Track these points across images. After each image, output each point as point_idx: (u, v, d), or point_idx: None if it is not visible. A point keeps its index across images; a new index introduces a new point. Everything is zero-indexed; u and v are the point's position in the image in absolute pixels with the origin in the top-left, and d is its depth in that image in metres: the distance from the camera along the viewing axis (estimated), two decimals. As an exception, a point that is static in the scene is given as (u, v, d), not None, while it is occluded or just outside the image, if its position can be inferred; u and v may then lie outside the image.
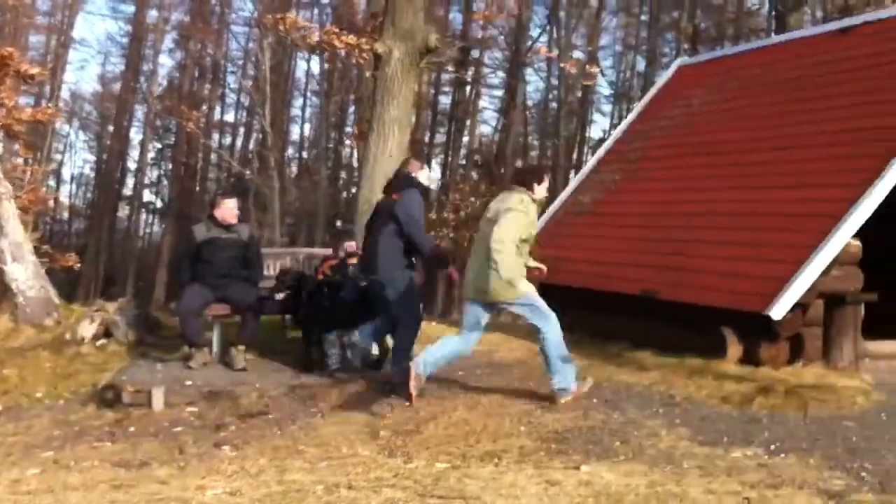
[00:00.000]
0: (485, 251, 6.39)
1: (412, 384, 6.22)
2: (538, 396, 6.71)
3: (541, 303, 6.58)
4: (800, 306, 7.48)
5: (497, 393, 6.88)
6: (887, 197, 7.55)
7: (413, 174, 7.44)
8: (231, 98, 36.97)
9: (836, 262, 7.54)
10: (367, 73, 12.50)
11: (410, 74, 10.91)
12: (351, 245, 8.55)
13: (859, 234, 7.62)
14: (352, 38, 13.14)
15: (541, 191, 6.78)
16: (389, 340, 7.69)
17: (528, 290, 6.53)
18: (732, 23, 30.18)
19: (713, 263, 8.34)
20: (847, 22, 10.56)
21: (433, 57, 12.48)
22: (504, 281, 6.30)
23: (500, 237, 6.26)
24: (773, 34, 21.51)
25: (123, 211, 38.32)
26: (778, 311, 7.22)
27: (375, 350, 7.96)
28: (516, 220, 6.37)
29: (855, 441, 5.50)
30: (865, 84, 8.77)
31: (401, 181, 7.38)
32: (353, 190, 27.08)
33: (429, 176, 7.99)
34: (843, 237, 7.42)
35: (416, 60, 10.91)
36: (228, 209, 8.14)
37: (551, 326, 6.51)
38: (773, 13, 23.16)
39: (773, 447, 5.34)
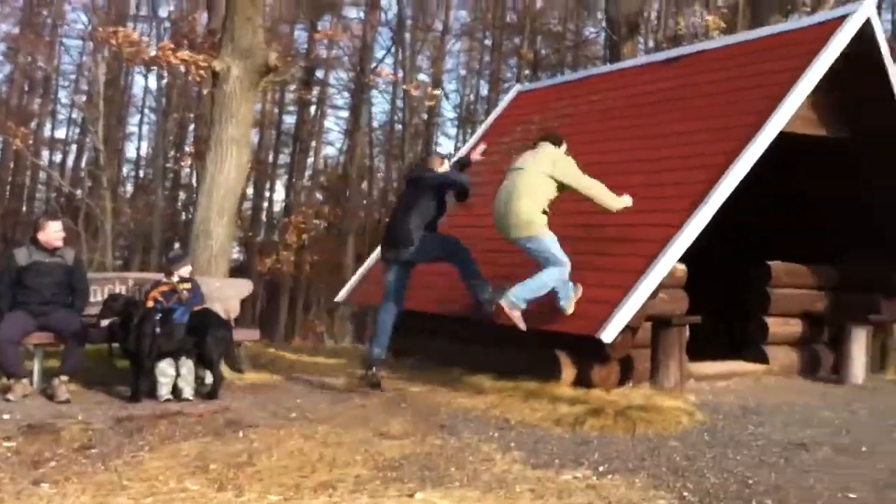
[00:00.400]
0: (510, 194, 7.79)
1: (515, 316, 7.51)
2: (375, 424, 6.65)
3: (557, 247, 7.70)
4: (629, 329, 7.73)
5: (335, 421, 6.77)
6: (712, 221, 7.90)
7: (436, 169, 8.43)
8: (63, 114, 35.39)
9: (662, 286, 7.83)
10: (205, 91, 12.16)
11: (250, 93, 10.70)
12: (185, 270, 8.25)
13: (685, 258, 7.94)
14: (188, 55, 12.76)
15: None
16: (208, 376, 7.68)
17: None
18: (571, 50, 31.20)
19: (549, 287, 8.48)
20: (675, 52, 11.04)
21: (274, 76, 12.29)
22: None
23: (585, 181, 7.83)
24: (607, 62, 22.32)
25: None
26: (608, 334, 7.42)
27: (209, 379, 7.74)
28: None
29: (678, 460, 5.70)
30: (691, 112, 9.19)
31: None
32: (192, 211, 26.37)
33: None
34: (669, 261, 7.70)
35: (256, 79, 10.70)
36: (53, 232, 7.76)
37: (562, 269, 7.67)
38: (608, 42, 24.02)
39: (601, 468, 5.47)
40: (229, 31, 10.61)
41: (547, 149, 8.03)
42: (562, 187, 7.83)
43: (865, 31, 8.69)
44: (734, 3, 23.59)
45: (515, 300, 7.58)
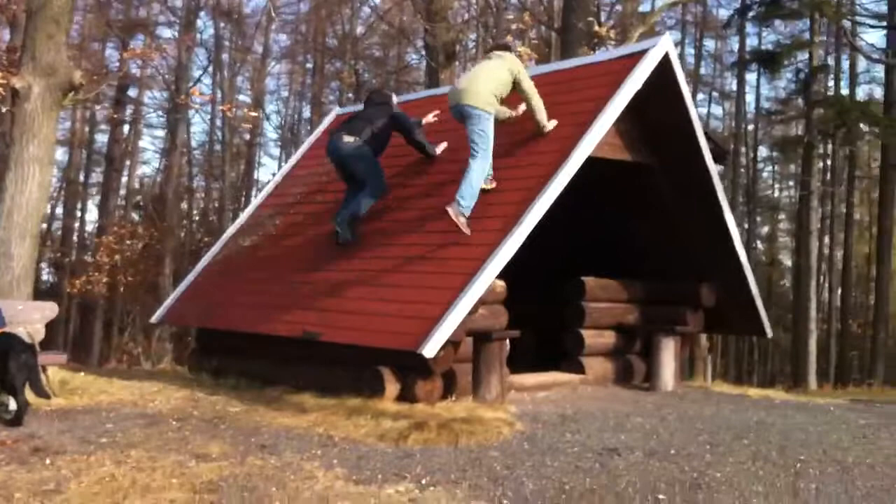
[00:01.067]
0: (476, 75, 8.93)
1: (461, 222, 8.23)
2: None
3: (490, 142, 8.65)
4: (451, 344, 7.84)
5: (150, 445, 6.51)
6: (530, 239, 8.16)
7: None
8: None
9: (482, 302, 8.01)
10: (4, 109, 11.60)
11: (53, 111, 10.30)
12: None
13: (505, 275, 8.16)
14: (-15, 73, 12.12)
15: None
16: (12, 403, 7.26)
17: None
18: (393, 75, 31.56)
19: (371, 305, 8.52)
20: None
21: (80, 94, 11.85)
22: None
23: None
24: (427, 87, 22.72)
25: None
26: (430, 349, 7.50)
27: (13, 405, 7.30)
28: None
29: (499, 469, 5.81)
30: (506, 137, 9.44)
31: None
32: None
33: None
34: (488, 278, 7.88)
35: (59, 97, 10.32)
36: None
37: (485, 162, 8.60)
38: (428, 69, 24.45)
39: (424, 481, 5.50)
40: (30, 49, 10.26)
41: (510, 55, 9.23)
42: (511, 88, 8.95)
43: (665, 64, 9.23)
44: (546, 36, 24.62)
45: (462, 204, 8.36)
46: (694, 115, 9.65)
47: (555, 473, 5.73)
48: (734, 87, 35.42)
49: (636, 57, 9.23)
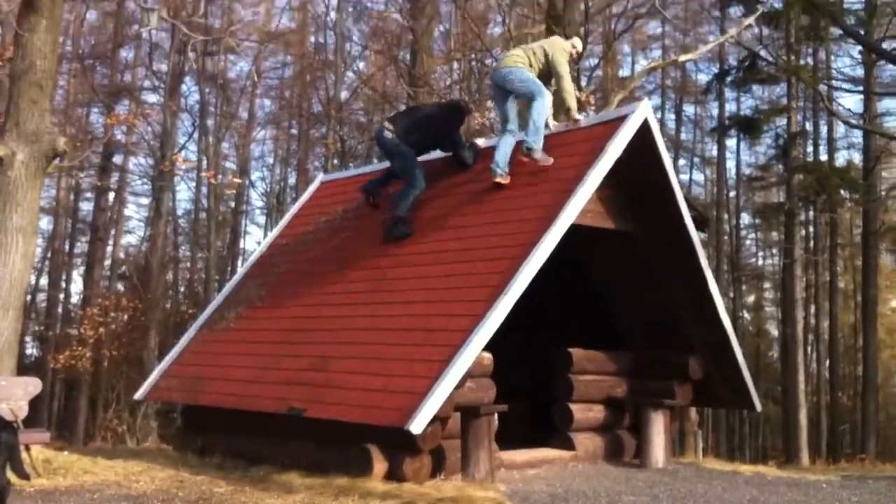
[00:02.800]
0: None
1: (540, 158, 9.25)
2: None
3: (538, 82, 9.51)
4: (438, 419, 7.74)
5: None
6: (515, 310, 8.11)
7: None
8: None
9: (469, 375, 7.93)
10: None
11: (37, 179, 10.23)
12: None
13: (490, 347, 8.09)
14: (-34, 139, 12.07)
15: None
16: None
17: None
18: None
19: (357, 379, 8.43)
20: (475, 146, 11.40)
21: (65, 161, 11.82)
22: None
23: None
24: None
25: None
26: (417, 425, 7.39)
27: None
28: None
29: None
30: (490, 205, 9.49)
31: None
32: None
33: None
34: (474, 350, 7.80)
35: (43, 164, 10.26)
36: None
37: (543, 99, 9.43)
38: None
39: (413, 567, 5.38)
40: (14, 115, 10.21)
41: (555, 38, 10.14)
42: (544, 61, 9.65)
43: (645, 129, 9.29)
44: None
45: (532, 146, 9.18)
46: (675, 182, 9.68)
47: (546, 556, 5.62)
48: (715, 153, 35.73)
49: (616, 123, 9.30)
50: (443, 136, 10.40)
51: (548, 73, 9.73)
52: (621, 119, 9.30)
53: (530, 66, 9.57)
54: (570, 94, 9.56)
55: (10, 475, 7.22)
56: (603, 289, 10.83)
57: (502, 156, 9.42)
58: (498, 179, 9.36)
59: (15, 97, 10.33)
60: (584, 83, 18.65)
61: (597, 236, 9.71)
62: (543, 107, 9.45)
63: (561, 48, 9.74)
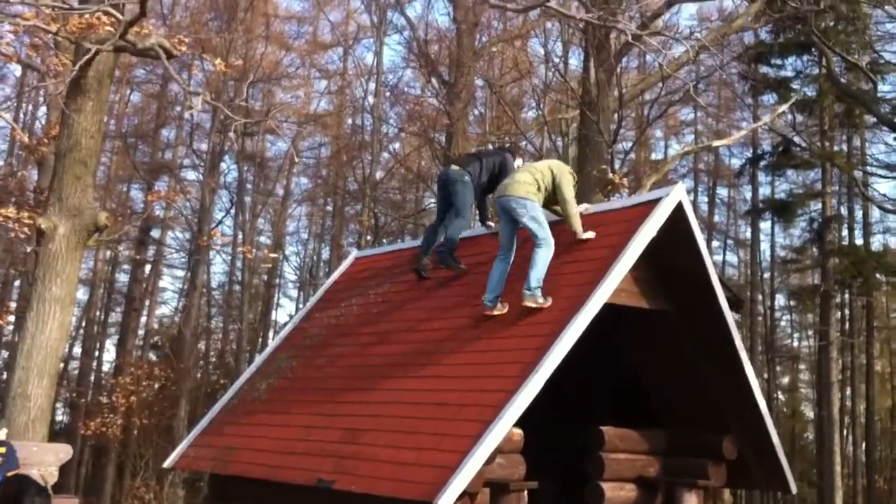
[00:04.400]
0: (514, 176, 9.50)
1: (540, 301, 8.78)
2: None
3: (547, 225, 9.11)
4: (467, 494, 7.67)
5: None
6: (547, 387, 8.08)
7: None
8: None
9: (499, 451, 7.88)
10: (28, 249, 11.78)
11: (76, 252, 10.47)
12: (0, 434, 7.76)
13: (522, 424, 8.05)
14: (11, 212, 12.39)
15: None
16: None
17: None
18: (410, 218, 32.09)
19: (387, 452, 8.40)
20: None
21: (104, 235, 12.07)
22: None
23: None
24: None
25: None
26: (445, 500, 7.33)
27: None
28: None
29: None
30: (520, 283, 9.53)
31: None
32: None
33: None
34: (504, 426, 7.77)
35: (84, 238, 10.51)
36: None
37: (549, 250, 8.97)
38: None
39: None
40: (57, 189, 10.48)
41: (562, 164, 9.71)
42: (551, 187, 9.38)
43: (679, 212, 9.35)
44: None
45: (532, 290, 8.82)
46: (709, 263, 9.67)
47: None
48: (748, 235, 35.67)
49: (650, 205, 9.36)
50: (498, 169, 10.63)
51: (553, 195, 9.52)
52: (656, 201, 9.36)
53: (538, 189, 9.31)
54: (576, 219, 9.41)
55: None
56: (636, 368, 10.77)
57: (495, 287, 9.20)
58: (491, 312, 9.15)
59: (59, 173, 10.63)
60: (616, 165, 18.78)
61: (630, 315, 9.71)
62: (548, 257, 9.06)
63: (568, 174, 9.53)
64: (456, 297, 10.19)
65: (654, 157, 33.78)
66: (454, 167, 10.55)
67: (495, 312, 9.10)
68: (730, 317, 9.76)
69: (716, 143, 22.13)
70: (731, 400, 10.02)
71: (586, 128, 18.38)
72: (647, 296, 9.67)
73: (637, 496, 10.03)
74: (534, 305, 8.78)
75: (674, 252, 9.51)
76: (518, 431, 8.25)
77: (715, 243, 37.45)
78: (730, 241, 39.27)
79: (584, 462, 9.97)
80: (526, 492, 8.19)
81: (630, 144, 26.34)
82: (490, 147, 11.87)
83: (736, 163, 34.62)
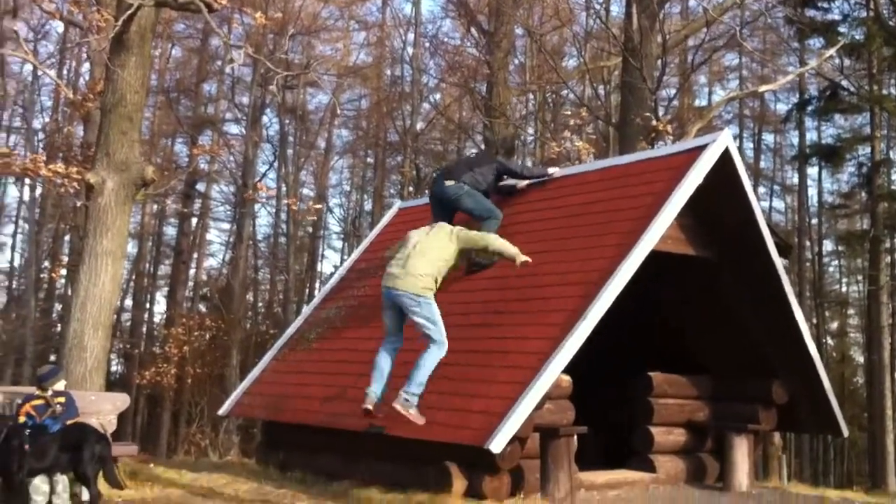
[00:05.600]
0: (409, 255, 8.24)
1: (412, 415, 7.93)
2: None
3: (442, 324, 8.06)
4: (517, 439, 7.79)
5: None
6: (594, 333, 8.13)
7: None
8: (-72, 224, 33.97)
9: (548, 397, 7.97)
10: (79, 204, 11.96)
11: (125, 206, 10.61)
12: (59, 384, 7.96)
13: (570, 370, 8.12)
14: (61, 167, 12.58)
15: None
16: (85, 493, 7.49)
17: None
18: (452, 168, 32.02)
19: (436, 399, 8.50)
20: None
21: (151, 189, 12.23)
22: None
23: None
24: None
25: None
26: (497, 444, 7.46)
27: (86, 496, 7.43)
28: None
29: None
30: (566, 231, 9.54)
31: None
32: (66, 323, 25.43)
33: None
34: (553, 373, 7.85)
35: (132, 192, 10.64)
36: None
37: (442, 349, 8.01)
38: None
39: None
40: (104, 145, 10.59)
41: (444, 226, 8.75)
42: (457, 257, 8.54)
43: (726, 158, 9.26)
44: (604, 131, 24.89)
45: (408, 400, 8.01)
46: (757, 209, 9.60)
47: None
48: (795, 181, 35.13)
49: (696, 152, 9.29)
50: (493, 172, 10.27)
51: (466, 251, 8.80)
52: (702, 147, 9.29)
53: (437, 280, 8.36)
54: (506, 246, 8.66)
55: (102, 486, 7.51)
56: (684, 315, 10.76)
57: (418, 379, 8.12)
58: (408, 415, 8.02)
59: (106, 129, 10.74)
60: (660, 112, 18.54)
61: (677, 263, 9.68)
62: (438, 359, 8.16)
63: (459, 231, 8.70)
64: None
65: (697, 103, 33.25)
66: (448, 182, 9.95)
67: (406, 413, 8.01)
68: (778, 263, 9.70)
69: (762, 89, 21.69)
70: (779, 346, 9.99)
71: (629, 75, 18.15)
72: (693, 243, 9.64)
73: (686, 441, 10.11)
74: (403, 413, 7.91)
75: (720, 199, 9.44)
76: (566, 378, 8.33)
77: (761, 189, 36.94)
78: (776, 188, 38.74)
79: (631, 408, 10.05)
80: (575, 437, 8.27)
81: (673, 91, 25.98)
82: (474, 153, 11.16)
83: (782, 108, 34.07)
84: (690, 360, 10.51)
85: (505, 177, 10.53)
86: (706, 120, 18.39)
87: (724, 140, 9.29)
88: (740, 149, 34.76)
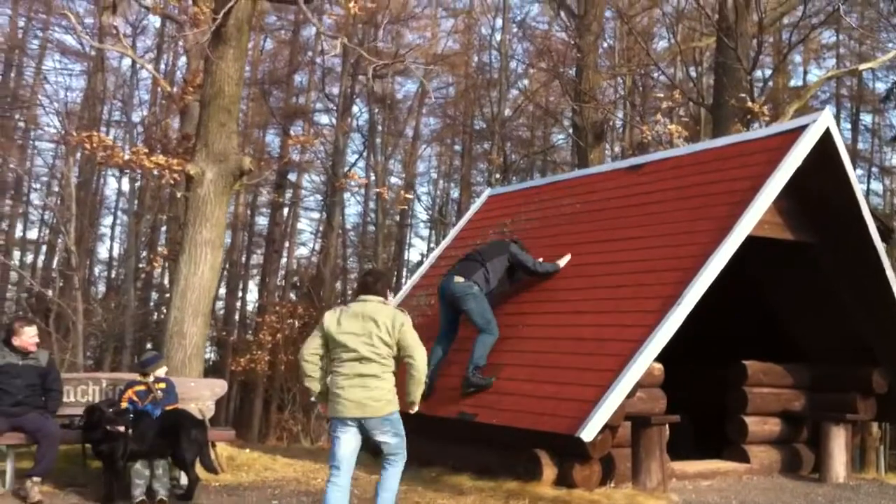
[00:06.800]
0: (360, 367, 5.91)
1: None
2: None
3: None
4: (609, 428, 7.74)
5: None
6: (685, 321, 8.00)
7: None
8: (34, 215, 35.32)
9: (640, 385, 7.89)
10: (179, 194, 12.24)
11: (223, 196, 10.83)
12: (160, 371, 8.21)
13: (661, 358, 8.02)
14: (162, 159, 12.90)
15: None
16: (183, 477, 7.71)
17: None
18: (539, 155, 31.85)
19: (526, 386, 8.52)
20: (639, 160, 11.36)
21: (248, 179, 12.44)
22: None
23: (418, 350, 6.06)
24: (576, 167, 22.84)
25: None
26: (588, 432, 7.42)
27: (184, 480, 7.65)
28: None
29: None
30: (656, 217, 9.42)
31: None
32: (164, 311, 26.19)
33: None
34: (646, 361, 7.77)
35: (230, 182, 10.85)
36: (28, 338, 7.81)
37: (403, 463, 6.32)
38: (576, 148, 24.62)
39: (587, 569, 5.41)
40: (203, 137, 10.80)
41: (383, 307, 6.20)
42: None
43: (826, 139, 8.99)
44: (696, 113, 24.38)
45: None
46: (859, 192, 9.31)
47: (723, 567, 5.52)
48: (895, 162, 33.90)
49: (795, 133, 9.04)
50: (505, 266, 9.71)
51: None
52: (801, 128, 9.04)
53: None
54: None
55: (199, 470, 7.73)
56: (777, 303, 10.52)
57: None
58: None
59: (205, 120, 10.96)
60: (756, 94, 18.08)
61: (773, 248, 9.45)
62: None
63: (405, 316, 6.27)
64: (588, 233, 10.14)
65: (793, 84, 32.32)
66: (457, 279, 9.33)
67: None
68: (880, 247, 9.39)
69: (861, 67, 20.95)
70: (880, 332, 9.68)
71: (723, 55, 17.74)
72: (792, 227, 9.40)
73: (781, 430, 9.88)
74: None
75: (820, 181, 9.17)
76: (658, 366, 8.23)
77: (858, 171, 35.75)
78: (874, 169, 37.42)
79: (726, 397, 9.87)
80: (667, 425, 8.16)
81: (769, 72, 25.29)
82: (488, 243, 10.29)
83: (881, 87, 32.80)
84: (787, 347, 10.26)
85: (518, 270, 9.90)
86: (803, 100, 17.91)
87: (825, 120, 9.03)
88: (837, 130, 33.66)
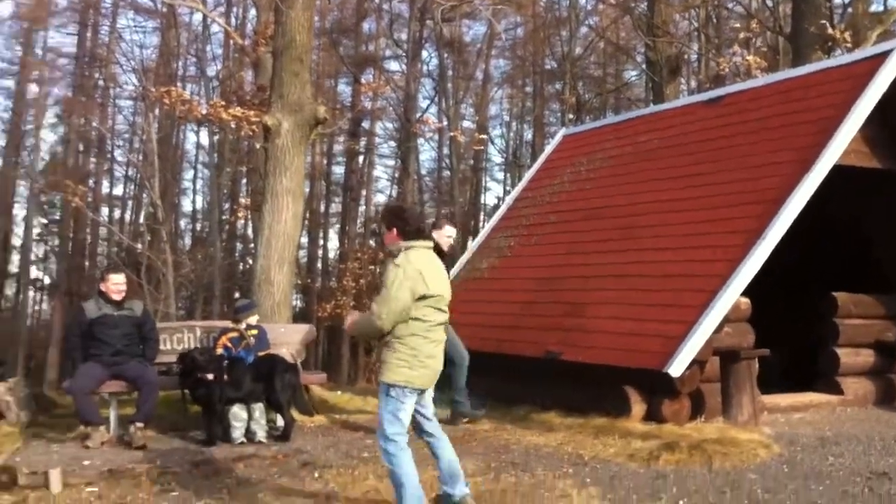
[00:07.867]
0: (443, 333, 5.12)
1: None
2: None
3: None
4: (697, 363, 7.73)
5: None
6: (774, 252, 7.90)
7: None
8: (119, 171, 36.20)
9: (727, 320, 7.84)
10: (258, 146, 12.40)
11: (301, 146, 10.95)
12: (252, 318, 8.44)
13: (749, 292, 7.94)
14: (239, 111, 13.09)
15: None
16: (280, 420, 7.95)
17: None
18: (613, 93, 31.36)
19: (611, 324, 8.54)
20: (717, 92, 11.13)
21: (323, 128, 12.55)
22: None
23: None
24: (651, 104, 22.42)
25: (10, 289, 36.67)
26: (676, 368, 7.43)
27: (280, 422, 7.89)
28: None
29: (759, 494, 5.65)
30: (736, 150, 9.26)
31: None
32: (250, 261, 26.73)
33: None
34: (732, 295, 7.71)
35: (307, 132, 10.96)
36: (113, 284, 8.01)
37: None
38: (650, 84, 24.16)
39: (681, 502, 5.45)
40: (278, 88, 10.89)
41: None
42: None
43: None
44: (773, 43, 23.66)
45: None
46: (949, 116, 9.00)
47: (820, 498, 5.51)
48: None
49: (880, 58, 8.78)
50: None
51: None
52: (885, 54, 8.76)
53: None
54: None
55: (294, 412, 7.97)
56: (866, 233, 10.29)
57: None
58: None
59: (278, 71, 11.04)
60: (836, 20, 17.47)
61: (859, 177, 9.22)
62: None
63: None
64: (667, 169, 10.02)
65: (874, 9, 31.07)
66: None
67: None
68: (972, 172, 9.09)
69: (949, -14, 20.07)
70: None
71: (802, -20, 17.13)
72: (880, 156, 9.15)
73: (875, 361, 9.73)
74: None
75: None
76: (745, 300, 8.16)
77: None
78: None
79: (816, 329, 9.74)
80: (756, 359, 8.10)
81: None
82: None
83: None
84: (878, 279, 10.05)
85: None
86: (886, 25, 17.26)
87: (911, 46, 8.72)
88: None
